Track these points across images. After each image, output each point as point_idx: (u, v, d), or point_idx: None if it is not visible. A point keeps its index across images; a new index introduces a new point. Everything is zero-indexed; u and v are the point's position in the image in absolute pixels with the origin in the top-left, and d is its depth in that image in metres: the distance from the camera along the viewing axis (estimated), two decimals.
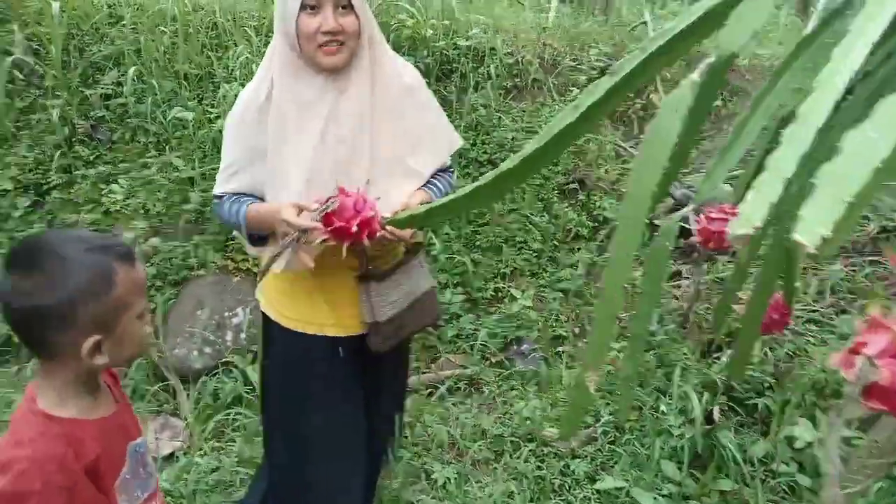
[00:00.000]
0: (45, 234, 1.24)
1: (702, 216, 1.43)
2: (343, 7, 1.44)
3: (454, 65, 3.52)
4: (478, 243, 3.22)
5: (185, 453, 2.39)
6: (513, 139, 3.34)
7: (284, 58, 1.49)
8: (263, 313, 1.69)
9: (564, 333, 2.98)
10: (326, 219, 1.34)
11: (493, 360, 2.85)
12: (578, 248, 3.32)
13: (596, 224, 3.42)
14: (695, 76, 0.66)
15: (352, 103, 1.50)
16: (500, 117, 3.44)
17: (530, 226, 3.29)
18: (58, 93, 3.09)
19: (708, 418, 2.32)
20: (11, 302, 0.94)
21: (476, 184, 0.82)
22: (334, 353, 1.64)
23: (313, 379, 1.65)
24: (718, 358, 2.59)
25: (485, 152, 3.34)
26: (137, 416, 1.18)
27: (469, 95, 3.41)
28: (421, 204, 1.53)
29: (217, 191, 1.56)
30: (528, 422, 2.46)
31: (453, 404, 2.67)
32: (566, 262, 3.25)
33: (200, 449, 2.39)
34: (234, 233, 1.57)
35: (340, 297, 1.62)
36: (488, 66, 3.52)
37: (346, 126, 1.50)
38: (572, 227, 3.36)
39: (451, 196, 0.84)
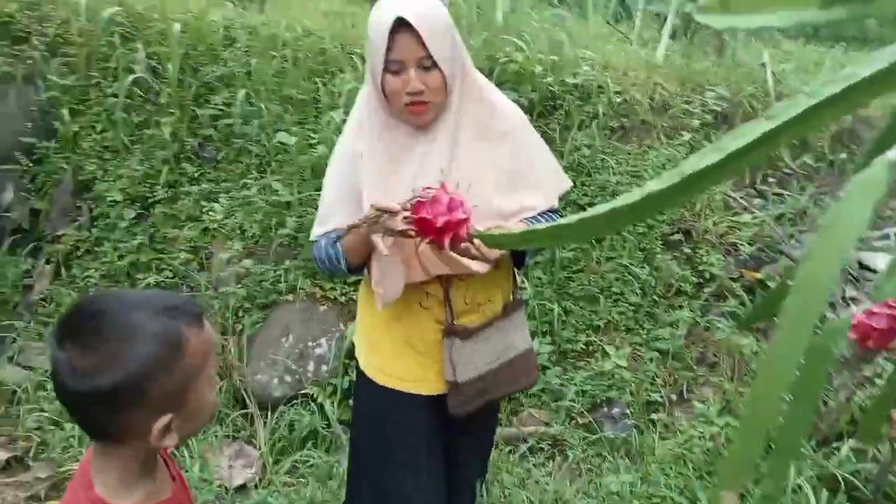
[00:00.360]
0: (102, 296, 1.09)
1: (858, 308, 1.24)
2: (426, 68, 1.39)
3: (558, 101, 3.40)
4: (570, 291, 3.05)
5: (256, 486, 2.35)
6: (616, 183, 3.17)
7: (375, 111, 1.47)
8: (356, 358, 1.63)
9: (660, 399, 2.76)
10: (416, 207, 1.27)
11: (580, 420, 2.67)
12: (680, 306, 3.10)
13: (701, 280, 3.18)
14: (893, 155, 0.53)
15: (437, 156, 1.45)
16: (603, 159, 3.28)
17: (629, 277, 3.09)
18: (171, 110, 3.18)
19: None
20: (68, 382, 0.81)
21: (587, 213, 0.74)
22: (418, 410, 1.54)
23: (396, 434, 1.56)
24: (838, 449, 2.31)
25: (585, 195, 3.18)
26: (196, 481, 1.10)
27: (572, 134, 3.27)
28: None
29: (315, 234, 1.53)
30: (616, 497, 2.27)
31: (534, 465, 2.51)
32: (665, 319, 3.03)
33: (272, 484, 2.34)
34: (325, 264, 1.54)
35: (426, 351, 1.53)
36: (595, 105, 3.37)
37: (434, 176, 1.42)
38: (674, 281, 3.14)
39: (555, 223, 0.78)
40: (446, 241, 1.26)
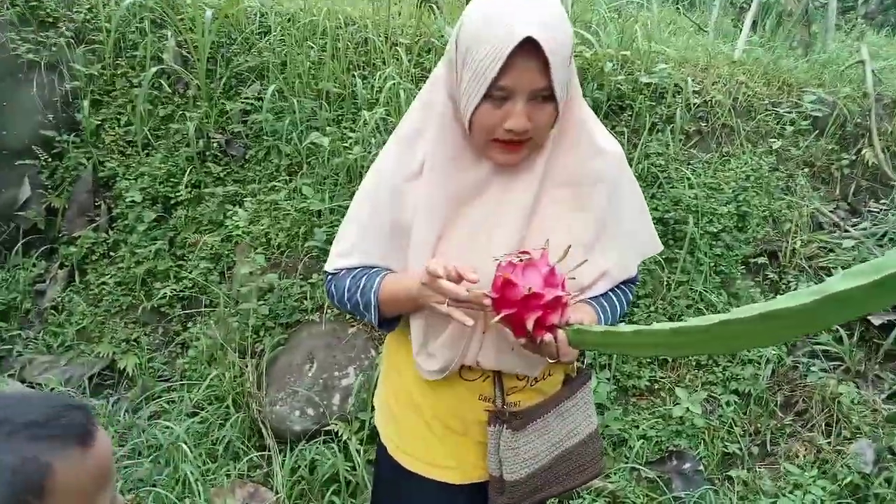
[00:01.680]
0: None
1: None
2: (540, 99, 1.02)
3: (628, 101, 3.00)
4: (634, 318, 2.67)
5: None
6: (694, 197, 2.76)
7: (446, 139, 1.10)
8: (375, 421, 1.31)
9: (739, 452, 2.36)
10: (501, 287, 0.97)
11: (644, 473, 2.30)
12: None
13: None
14: None
15: (514, 206, 1.10)
16: (678, 168, 2.87)
17: (702, 304, 2.69)
18: (199, 103, 2.92)
19: None
20: None
21: (708, 321, 0.68)
22: (450, 500, 1.21)
23: None
24: None
25: (655, 208, 2.79)
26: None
27: (643, 139, 2.88)
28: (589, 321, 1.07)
29: (333, 266, 1.19)
30: None
31: None
32: (746, 356, 2.62)
33: None
34: (345, 306, 1.20)
35: (465, 431, 1.19)
36: (670, 106, 2.96)
37: (510, 219, 1.08)
38: None
39: (652, 329, 0.75)
40: (530, 322, 0.94)
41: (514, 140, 1.03)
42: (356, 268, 1.15)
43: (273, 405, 2.33)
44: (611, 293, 1.21)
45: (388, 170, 1.13)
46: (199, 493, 2.02)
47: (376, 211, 1.13)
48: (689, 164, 2.91)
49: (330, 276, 1.20)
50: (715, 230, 2.76)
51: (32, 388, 2.38)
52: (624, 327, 0.87)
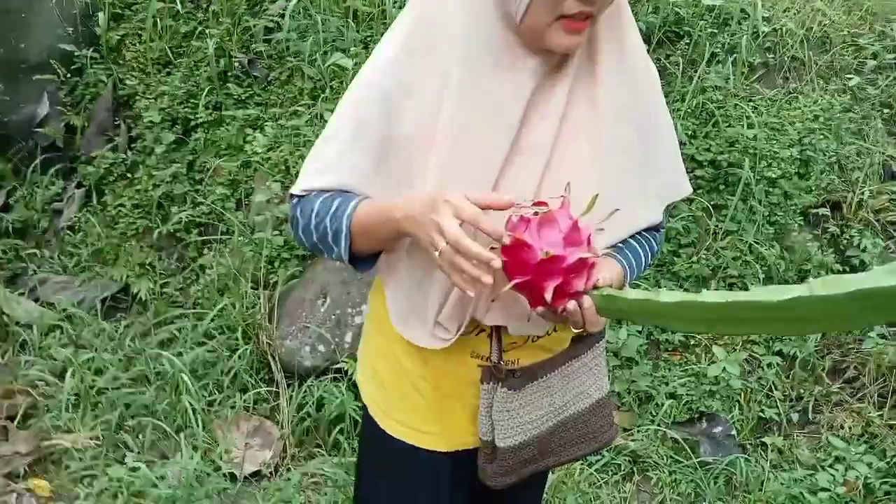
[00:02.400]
0: None
1: None
2: None
3: (685, 28, 2.70)
4: (674, 269, 2.46)
5: (273, 470, 2.01)
6: (753, 138, 2.48)
7: (483, 29, 0.89)
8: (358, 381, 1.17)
9: (777, 417, 2.18)
10: (515, 225, 0.81)
11: (671, 434, 2.14)
12: None
13: (846, 269, 2.50)
14: None
15: (563, 100, 0.91)
16: (737, 104, 2.58)
17: (751, 257, 2.45)
18: (221, 19, 2.75)
19: None
20: None
21: (775, 294, 0.59)
22: (437, 469, 1.08)
23: (405, 495, 1.10)
24: None
25: (708, 149, 2.53)
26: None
27: (699, 71, 2.59)
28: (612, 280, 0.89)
29: (302, 186, 0.97)
30: None
31: (605, 483, 2.03)
32: None
33: (289, 471, 1.99)
34: (310, 235, 0.98)
35: (454, 393, 1.05)
36: (734, 35, 2.65)
37: (547, 131, 0.91)
38: (811, 267, 2.47)
39: (701, 300, 0.67)
40: (549, 290, 0.79)
41: (585, 13, 0.84)
42: (329, 190, 0.95)
43: (283, 339, 2.25)
44: (633, 241, 1.02)
45: (387, 67, 0.94)
46: (200, 424, 1.97)
47: (364, 125, 0.94)
48: (750, 100, 2.61)
49: (297, 200, 0.98)
50: (773, 176, 2.49)
51: (44, 307, 2.36)
52: (666, 295, 0.71)
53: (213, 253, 2.50)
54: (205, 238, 2.56)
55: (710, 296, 0.67)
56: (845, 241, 2.54)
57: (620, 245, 1.00)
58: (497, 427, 1.01)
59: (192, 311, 2.37)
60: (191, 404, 1.98)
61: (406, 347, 1.02)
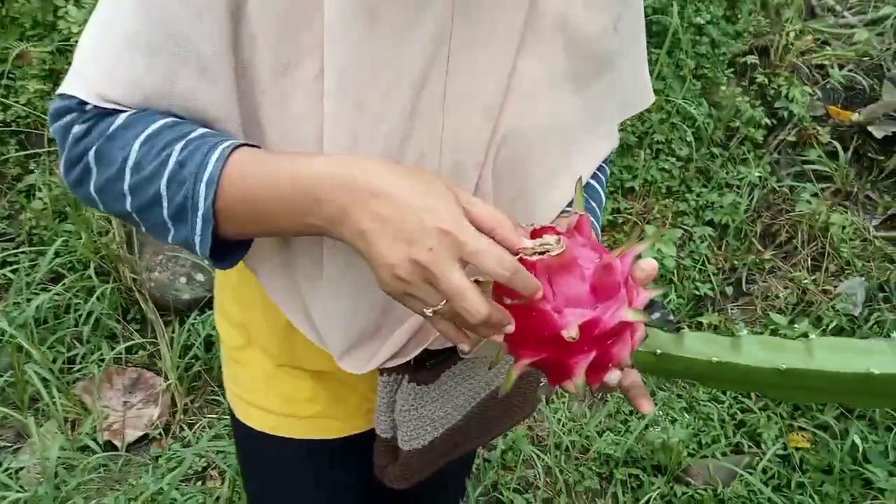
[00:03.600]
0: None
1: None
2: None
3: None
4: None
5: (162, 431, 1.69)
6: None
7: None
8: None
9: (711, 293, 2.06)
10: (513, 312, 0.50)
11: None
12: (744, 159, 2.28)
13: (774, 122, 2.33)
14: None
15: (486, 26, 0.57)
16: None
17: (678, 118, 2.22)
18: None
19: None
20: None
21: (843, 365, 0.51)
22: (317, 461, 0.83)
23: (288, 491, 0.84)
24: None
25: None
26: None
27: None
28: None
29: (76, 89, 0.54)
30: (649, 431, 1.67)
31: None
32: (723, 179, 2.23)
33: (183, 430, 1.69)
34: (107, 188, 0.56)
35: (340, 379, 0.77)
36: None
37: (471, 73, 0.58)
38: (740, 124, 2.28)
39: (753, 365, 0.52)
40: (580, 371, 0.50)
41: None
42: (136, 111, 0.54)
43: (151, 272, 1.84)
44: (593, 182, 0.73)
45: None
46: (56, 395, 1.60)
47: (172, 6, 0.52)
48: None
49: (71, 118, 0.55)
50: (702, 21, 2.20)
51: None
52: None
53: (41, 169, 1.98)
54: (28, 152, 2.02)
55: (761, 358, 0.53)
56: (773, 91, 2.35)
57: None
58: (401, 428, 0.74)
59: (27, 249, 1.89)
60: (37, 373, 1.58)
61: (272, 327, 0.73)
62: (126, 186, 0.53)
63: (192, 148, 0.52)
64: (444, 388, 0.75)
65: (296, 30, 0.53)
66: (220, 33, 0.52)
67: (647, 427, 1.73)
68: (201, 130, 0.53)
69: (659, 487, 1.62)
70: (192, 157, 0.51)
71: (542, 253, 0.49)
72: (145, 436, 1.68)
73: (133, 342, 1.81)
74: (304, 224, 0.51)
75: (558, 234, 0.51)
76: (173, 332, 1.81)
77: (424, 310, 0.49)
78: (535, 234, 0.51)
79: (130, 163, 0.53)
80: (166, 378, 1.76)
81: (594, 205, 0.72)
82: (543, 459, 1.65)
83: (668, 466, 1.65)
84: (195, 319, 1.82)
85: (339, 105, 0.54)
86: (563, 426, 1.73)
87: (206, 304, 1.85)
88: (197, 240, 0.52)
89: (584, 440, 1.70)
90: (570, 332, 0.47)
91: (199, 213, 0.51)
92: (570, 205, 0.68)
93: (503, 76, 0.58)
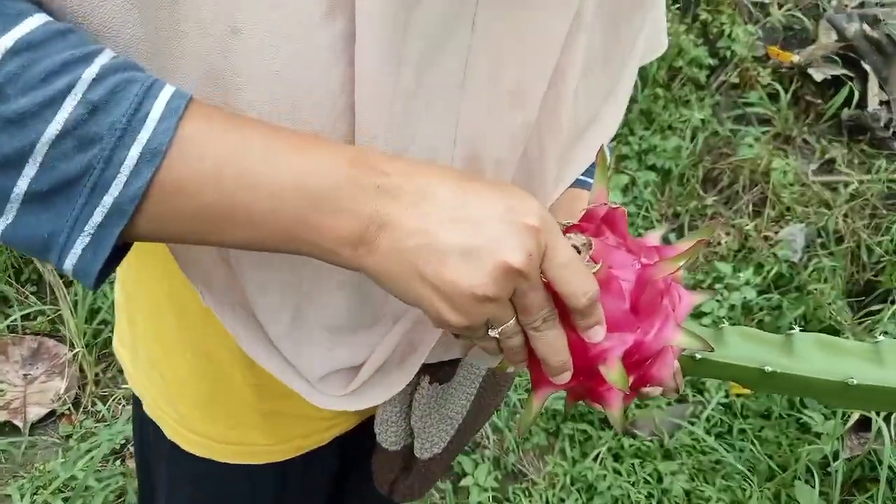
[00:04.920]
0: None
1: None
2: None
3: None
4: None
5: (71, 406, 1.52)
6: None
7: None
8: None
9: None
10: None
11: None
12: (686, 101, 2.22)
13: (717, 62, 2.27)
14: None
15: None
16: None
17: None
18: None
19: None
20: None
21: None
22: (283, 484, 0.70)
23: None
24: None
25: None
26: None
27: None
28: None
29: None
30: None
31: None
32: (666, 121, 2.17)
33: (95, 404, 1.52)
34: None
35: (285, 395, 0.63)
36: None
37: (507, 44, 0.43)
38: (683, 64, 2.21)
39: (815, 377, 0.45)
40: (616, 404, 0.42)
41: None
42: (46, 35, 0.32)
43: None
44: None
45: None
46: None
47: None
48: None
49: None
50: None
51: None
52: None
53: None
54: None
55: (823, 368, 0.45)
56: (715, 31, 2.28)
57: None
58: (421, 435, 0.65)
59: None
60: None
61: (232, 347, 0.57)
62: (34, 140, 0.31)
63: (115, 83, 0.32)
64: (457, 380, 0.66)
65: None
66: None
67: None
68: (113, 53, 0.33)
69: (606, 441, 1.60)
70: (115, 100, 0.32)
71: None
72: (52, 412, 1.50)
73: (31, 308, 1.60)
74: (286, 242, 0.36)
75: (587, 233, 0.40)
76: (76, 294, 1.60)
77: (491, 332, 0.39)
78: (571, 228, 0.41)
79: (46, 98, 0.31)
80: (72, 346, 1.57)
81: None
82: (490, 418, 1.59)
83: None
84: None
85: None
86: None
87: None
88: (78, 241, 0.33)
89: None
90: (612, 374, 0.38)
91: (111, 198, 0.32)
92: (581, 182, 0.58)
93: (553, 52, 0.44)
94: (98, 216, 0.33)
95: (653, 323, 0.40)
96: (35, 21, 0.31)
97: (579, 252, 0.39)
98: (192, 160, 0.33)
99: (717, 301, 1.81)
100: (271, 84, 0.37)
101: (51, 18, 0.33)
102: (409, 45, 0.38)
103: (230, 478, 0.66)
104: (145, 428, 0.68)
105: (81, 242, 0.33)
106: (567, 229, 0.42)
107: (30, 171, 0.31)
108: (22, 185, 0.32)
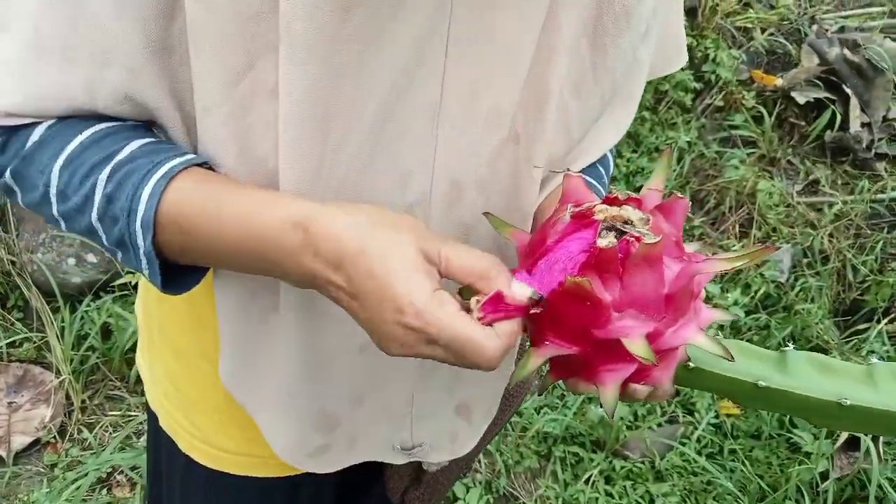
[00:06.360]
0: None
1: None
2: None
3: None
4: None
5: (56, 434, 1.49)
6: None
7: None
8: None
9: None
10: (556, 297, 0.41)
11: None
12: (672, 123, 2.25)
13: (703, 85, 2.31)
14: None
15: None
16: None
17: None
18: None
19: None
20: None
21: None
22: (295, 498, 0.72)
23: None
24: None
25: None
26: None
27: None
28: None
29: None
30: (587, 407, 1.64)
31: None
32: (652, 143, 2.20)
33: (81, 432, 1.50)
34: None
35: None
36: None
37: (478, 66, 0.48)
38: (669, 87, 2.25)
39: (815, 396, 0.46)
40: (611, 386, 0.42)
41: None
42: (54, 122, 0.47)
43: (33, 252, 1.60)
44: (600, 167, 0.66)
45: None
46: None
47: None
48: None
49: None
50: None
51: None
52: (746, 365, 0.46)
53: None
54: None
55: (818, 387, 0.46)
56: (700, 55, 2.32)
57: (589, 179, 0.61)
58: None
59: None
60: None
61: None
62: (56, 213, 0.47)
63: (121, 177, 0.44)
64: None
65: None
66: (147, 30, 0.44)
67: (584, 403, 1.70)
68: (130, 147, 0.46)
69: (598, 463, 1.60)
70: (121, 190, 0.44)
71: (621, 231, 0.40)
72: (36, 441, 1.48)
73: (17, 335, 1.58)
74: (260, 270, 0.47)
75: (645, 209, 0.41)
76: (63, 321, 1.59)
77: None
78: (614, 201, 0.42)
79: (54, 190, 0.46)
80: (58, 373, 1.55)
81: (600, 188, 0.62)
82: None
83: (606, 441, 1.62)
84: (88, 306, 1.61)
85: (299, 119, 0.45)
86: None
87: (100, 288, 1.63)
88: (145, 272, 0.47)
89: (524, 421, 1.64)
90: (636, 346, 0.38)
91: (141, 252, 0.45)
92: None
93: (522, 67, 0.48)
94: (143, 262, 0.46)
95: (676, 319, 0.41)
96: (78, 137, 0.46)
97: (632, 224, 0.40)
98: (171, 224, 0.44)
99: None
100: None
101: (92, 128, 0.46)
102: (377, 77, 0.43)
103: (244, 491, 0.68)
104: (160, 443, 0.70)
105: (146, 271, 0.47)
106: (627, 199, 0.42)
107: (101, 234, 0.47)
108: (105, 241, 0.47)
